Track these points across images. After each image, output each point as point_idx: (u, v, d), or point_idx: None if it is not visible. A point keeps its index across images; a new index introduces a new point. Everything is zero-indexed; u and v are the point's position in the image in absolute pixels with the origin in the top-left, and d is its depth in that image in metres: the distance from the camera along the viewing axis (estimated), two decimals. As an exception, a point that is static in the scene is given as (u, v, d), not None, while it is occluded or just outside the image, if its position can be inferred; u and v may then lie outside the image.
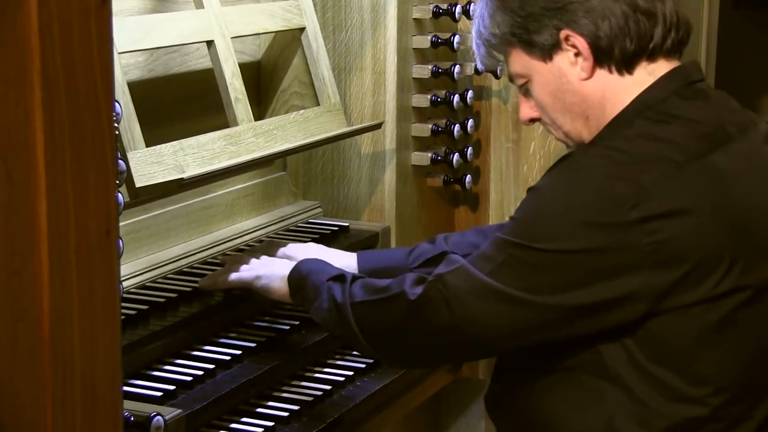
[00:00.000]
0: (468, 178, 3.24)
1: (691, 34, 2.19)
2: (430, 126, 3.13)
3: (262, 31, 2.87)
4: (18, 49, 1.37)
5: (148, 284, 2.57)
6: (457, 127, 3.16)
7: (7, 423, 1.46)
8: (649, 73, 2.13)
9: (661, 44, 2.13)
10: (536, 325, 2.06)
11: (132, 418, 1.98)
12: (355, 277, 2.28)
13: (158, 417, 2.00)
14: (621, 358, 2.05)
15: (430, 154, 3.15)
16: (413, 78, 3.12)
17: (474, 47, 2.29)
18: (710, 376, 2.05)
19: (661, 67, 2.14)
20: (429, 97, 3.13)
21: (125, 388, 2.14)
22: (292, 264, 2.41)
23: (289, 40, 3.03)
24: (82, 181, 1.44)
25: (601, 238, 1.98)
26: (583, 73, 2.12)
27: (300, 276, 2.36)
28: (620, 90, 2.13)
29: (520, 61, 2.18)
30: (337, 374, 2.56)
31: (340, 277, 2.28)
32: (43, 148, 1.39)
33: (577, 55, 2.12)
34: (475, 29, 2.26)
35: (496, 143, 3.32)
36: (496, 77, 3.24)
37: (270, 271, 2.45)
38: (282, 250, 2.62)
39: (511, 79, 2.25)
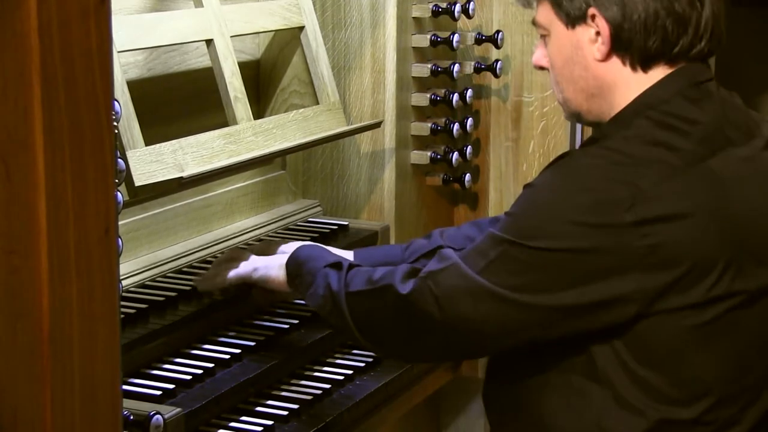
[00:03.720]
0: (467, 176, 3.24)
1: (720, 46, 2.16)
2: (429, 125, 3.13)
3: (262, 30, 2.87)
4: (17, 47, 1.38)
5: (147, 283, 2.57)
6: (456, 126, 3.16)
7: (6, 421, 1.46)
8: (663, 73, 2.12)
9: (687, 51, 2.11)
10: (526, 325, 2.05)
11: (131, 417, 1.98)
12: (351, 265, 2.28)
13: (157, 416, 2.00)
14: (610, 359, 2.05)
15: (429, 153, 3.15)
16: (412, 77, 3.12)
17: None
18: (697, 380, 2.05)
19: None
20: (428, 95, 3.13)
21: (124, 387, 2.14)
22: (289, 253, 2.41)
23: (289, 39, 3.03)
24: (81, 180, 1.44)
25: (594, 239, 1.98)
26: (598, 54, 2.12)
27: (298, 262, 2.36)
28: (631, 84, 2.12)
29: (546, 15, 2.18)
30: (336, 373, 2.56)
31: (337, 264, 2.28)
32: (43, 147, 1.39)
33: (597, 34, 2.12)
34: None
35: (496, 142, 3.32)
36: (496, 76, 3.24)
37: (267, 261, 2.46)
38: (281, 248, 2.62)
39: (534, 23, 2.24)
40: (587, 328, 2.04)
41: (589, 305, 2.01)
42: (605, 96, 2.14)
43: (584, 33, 2.13)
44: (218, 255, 2.75)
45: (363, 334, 2.22)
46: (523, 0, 2.28)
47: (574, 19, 2.13)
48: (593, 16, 2.11)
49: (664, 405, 2.05)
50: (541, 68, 2.25)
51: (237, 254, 2.56)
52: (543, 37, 2.22)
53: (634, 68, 2.12)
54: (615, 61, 2.12)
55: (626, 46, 2.10)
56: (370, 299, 2.19)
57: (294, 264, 2.37)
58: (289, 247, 2.60)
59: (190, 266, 2.69)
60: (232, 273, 2.50)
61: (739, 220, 2.04)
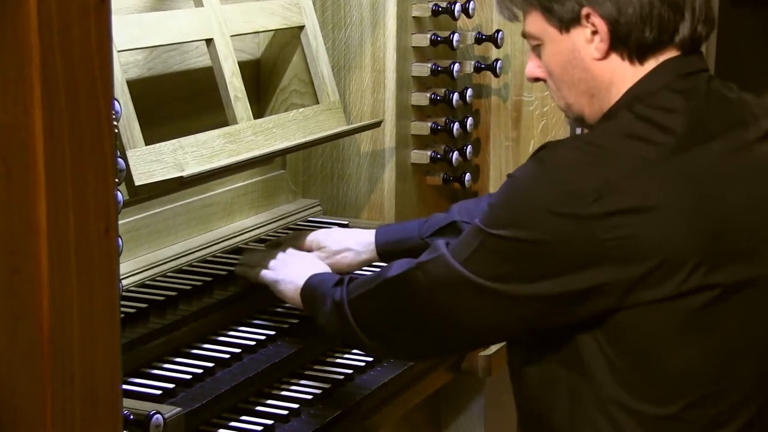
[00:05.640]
0: (467, 176, 3.24)
1: (713, 30, 2.16)
2: (429, 124, 3.13)
3: (262, 30, 2.87)
4: (17, 47, 1.37)
5: (147, 282, 2.57)
6: (456, 126, 3.16)
7: (7, 421, 1.46)
8: (656, 63, 2.11)
9: (689, 38, 2.10)
10: (506, 316, 2.08)
11: (131, 417, 1.98)
12: (352, 278, 2.32)
13: (158, 415, 2.00)
14: (593, 351, 2.06)
15: (429, 153, 3.15)
16: (413, 76, 3.12)
17: None
18: (674, 376, 2.05)
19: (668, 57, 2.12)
20: (428, 95, 3.13)
21: (125, 387, 2.14)
22: (308, 274, 2.45)
23: (289, 39, 3.03)
24: (81, 180, 1.44)
25: (563, 229, 1.99)
26: (597, 53, 2.11)
27: (311, 289, 2.42)
28: (627, 77, 2.11)
29: (537, 24, 2.16)
30: (336, 372, 2.56)
31: (340, 281, 2.33)
32: (43, 147, 1.39)
33: (594, 33, 2.10)
34: None
35: (496, 141, 3.32)
36: (496, 75, 3.24)
37: (290, 278, 2.49)
38: (308, 239, 2.70)
39: (524, 35, 2.23)
40: (568, 319, 2.05)
41: (567, 294, 2.02)
42: (603, 94, 2.13)
43: (579, 34, 2.11)
44: (243, 249, 2.79)
45: (368, 335, 2.26)
46: (508, 14, 2.24)
47: (567, 23, 2.11)
48: (588, 16, 2.09)
49: (643, 402, 2.06)
50: (537, 80, 2.24)
51: (273, 255, 2.59)
52: (536, 47, 2.19)
53: (632, 61, 2.11)
54: (614, 58, 2.11)
55: (625, 40, 2.09)
56: (368, 297, 2.24)
57: (308, 291, 2.42)
58: (316, 236, 2.69)
59: (190, 266, 2.69)
60: (263, 275, 2.55)
61: (714, 215, 2.03)
